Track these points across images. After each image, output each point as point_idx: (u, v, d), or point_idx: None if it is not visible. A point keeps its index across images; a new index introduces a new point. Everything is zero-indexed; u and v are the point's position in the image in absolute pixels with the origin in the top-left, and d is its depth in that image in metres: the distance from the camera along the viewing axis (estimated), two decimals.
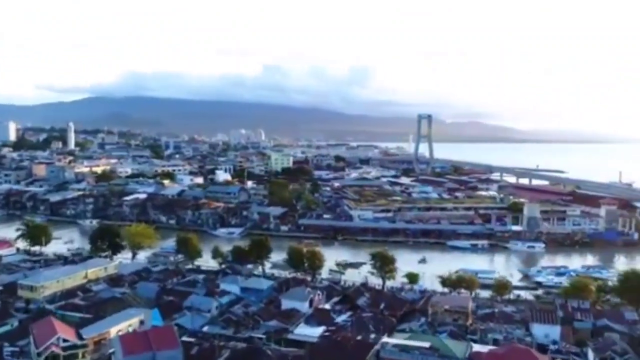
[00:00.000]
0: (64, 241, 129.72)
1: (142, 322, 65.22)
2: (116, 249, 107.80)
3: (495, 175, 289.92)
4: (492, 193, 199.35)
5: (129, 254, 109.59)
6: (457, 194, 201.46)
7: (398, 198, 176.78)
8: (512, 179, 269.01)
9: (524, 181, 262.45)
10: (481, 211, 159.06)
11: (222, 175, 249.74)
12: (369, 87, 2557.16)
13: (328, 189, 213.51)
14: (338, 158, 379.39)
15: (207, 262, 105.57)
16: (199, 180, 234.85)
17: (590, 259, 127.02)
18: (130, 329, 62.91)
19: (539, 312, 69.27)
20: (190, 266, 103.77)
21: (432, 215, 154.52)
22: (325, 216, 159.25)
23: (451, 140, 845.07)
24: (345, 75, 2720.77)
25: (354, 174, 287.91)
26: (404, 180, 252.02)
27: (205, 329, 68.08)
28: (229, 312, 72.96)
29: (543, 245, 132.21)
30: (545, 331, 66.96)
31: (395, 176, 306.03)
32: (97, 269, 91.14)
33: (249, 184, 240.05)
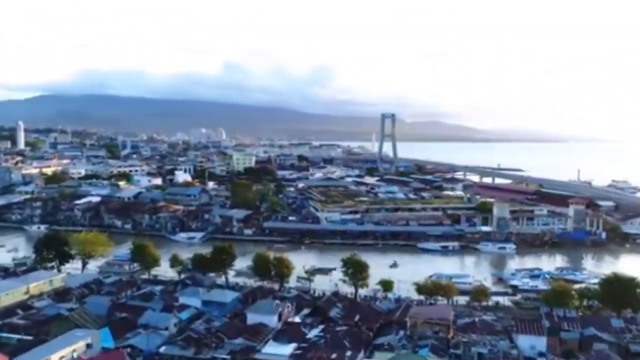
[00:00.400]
0: (7, 249, 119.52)
1: (89, 346, 57.41)
2: (64, 258, 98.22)
3: (458, 174, 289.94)
4: (458, 193, 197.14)
5: (79, 264, 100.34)
6: (424, 194, 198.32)
7: (365, 199, 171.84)
8: (475, 178, 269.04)
9: (487, 180, 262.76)
10: (449, 211, 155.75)
11: (181, 176, 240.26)
12: (330, 86, 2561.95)
13: (292, 189, 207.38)
14: (301, 158, 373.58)
15: (165, 271, 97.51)
16: (157, 181, 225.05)
17: (561, 260, 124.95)
18: (75, 355, 55.08)
19: (524, 322, 64.80)
20: (146, 276, 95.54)
21: (401, 217, 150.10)
22: (290, 218, 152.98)
23: (412, 140, 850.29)
24: (307, 75, 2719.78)
25: (319, 174, 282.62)
26: (369, 180, 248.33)
27: (162, 349, 60.91)
28: (189, 329, 65.71)
29: (514, 246, 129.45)
30: (531, 342, 62.48)
31: (359, 176, 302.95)
32: (41, 282, 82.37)
33: (210, 184, 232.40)
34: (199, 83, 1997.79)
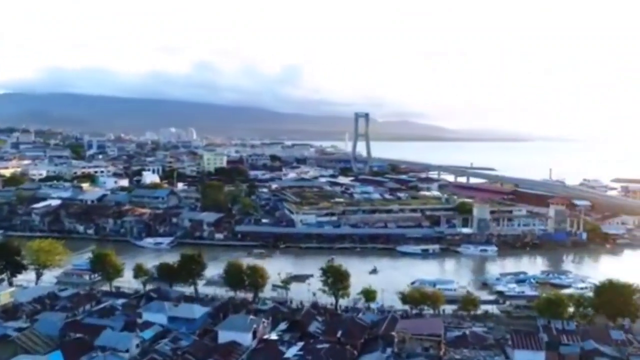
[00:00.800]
0: None
1: None
2: (17, 269, 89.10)
3: (432, 174, 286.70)
4: (435, 193, 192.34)
5: (34, 275, 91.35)
6: (400, 194, 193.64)
7: (341, 200, 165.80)
8: (450, 178, 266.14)
9: (462, 179, 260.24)
10: (427, 212, 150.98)
11: (149, 177, 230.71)
12: (301, 86, 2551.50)
13: (266, 190, 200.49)
14: (274, 157, 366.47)
15: (129, 282, 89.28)
16: (124, 182, 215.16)
17: (543, 262, 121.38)
18: None
19: (519, 336, 59.58)
20: (107, 288, 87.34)
21: (379, 218, 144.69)
22: (264, 221, 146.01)
23: (383, 139, 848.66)
24: (278, 74, 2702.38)
25: (292, 174, 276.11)
26: (344, 180, 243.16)
27: None
28: (153, 350, 58.53)
29: (495, 248, 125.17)
30: (528, 358, 57.39)
31: (333, 175, 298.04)
32: None
33: (180, 186, 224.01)
34: (169, 82, 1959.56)
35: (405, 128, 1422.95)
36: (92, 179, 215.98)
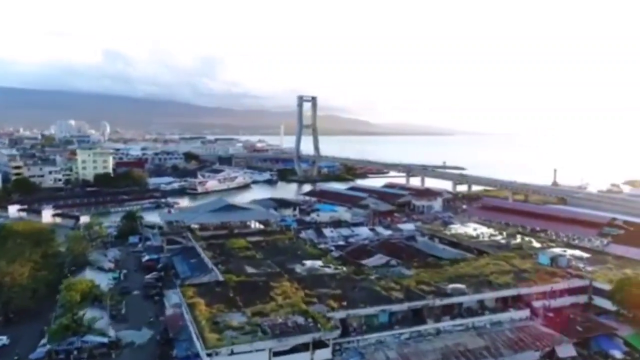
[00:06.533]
0: None
1: None
2: None
3: (394, 176, 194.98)
4: (483, 230, 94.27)
5: None
6: (405, 225, 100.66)
7: (320, 266, 67.84)
8: (441, 184, 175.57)
9: (461, 188, 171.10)
10: (536, 303, 57.92)
11: None
12: (219, 78, 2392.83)
13: (156, 231, 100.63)
14: (190, 156, 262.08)
15: None
16: None
17: None
18: None
19: None
20: None
21: (442, 349, 48.63)
22: None
23: (309, 133, 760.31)
24: (194, 66, 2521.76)
25: (212, 182, 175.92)
26: (289, 190, 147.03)
27: None
28: None
29: None
30: None
31: (270, 181, 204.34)
32: None
33: (13, 211, 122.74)
34: (77, 73, 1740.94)
35: (331, 122, 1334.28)
36: None
